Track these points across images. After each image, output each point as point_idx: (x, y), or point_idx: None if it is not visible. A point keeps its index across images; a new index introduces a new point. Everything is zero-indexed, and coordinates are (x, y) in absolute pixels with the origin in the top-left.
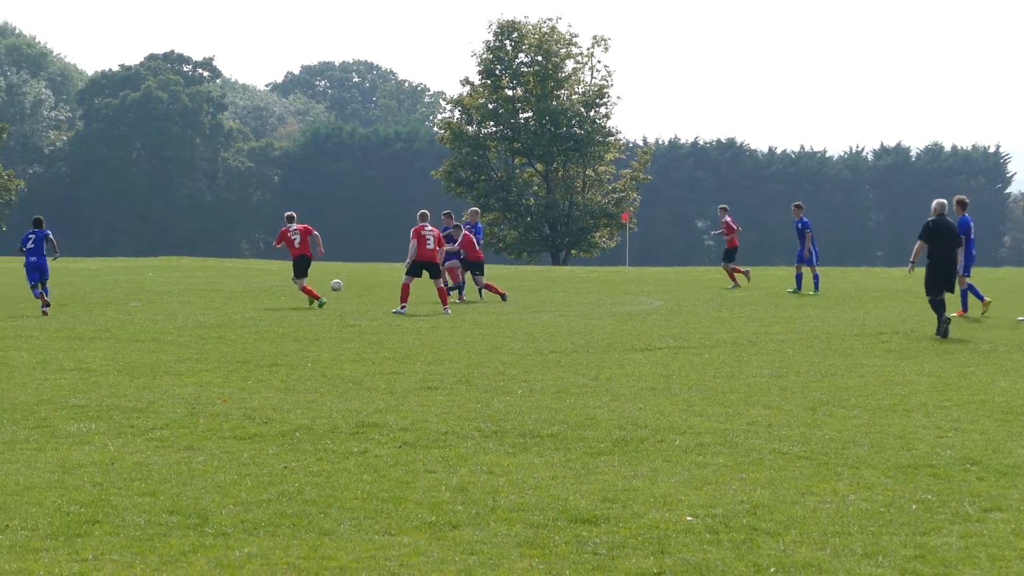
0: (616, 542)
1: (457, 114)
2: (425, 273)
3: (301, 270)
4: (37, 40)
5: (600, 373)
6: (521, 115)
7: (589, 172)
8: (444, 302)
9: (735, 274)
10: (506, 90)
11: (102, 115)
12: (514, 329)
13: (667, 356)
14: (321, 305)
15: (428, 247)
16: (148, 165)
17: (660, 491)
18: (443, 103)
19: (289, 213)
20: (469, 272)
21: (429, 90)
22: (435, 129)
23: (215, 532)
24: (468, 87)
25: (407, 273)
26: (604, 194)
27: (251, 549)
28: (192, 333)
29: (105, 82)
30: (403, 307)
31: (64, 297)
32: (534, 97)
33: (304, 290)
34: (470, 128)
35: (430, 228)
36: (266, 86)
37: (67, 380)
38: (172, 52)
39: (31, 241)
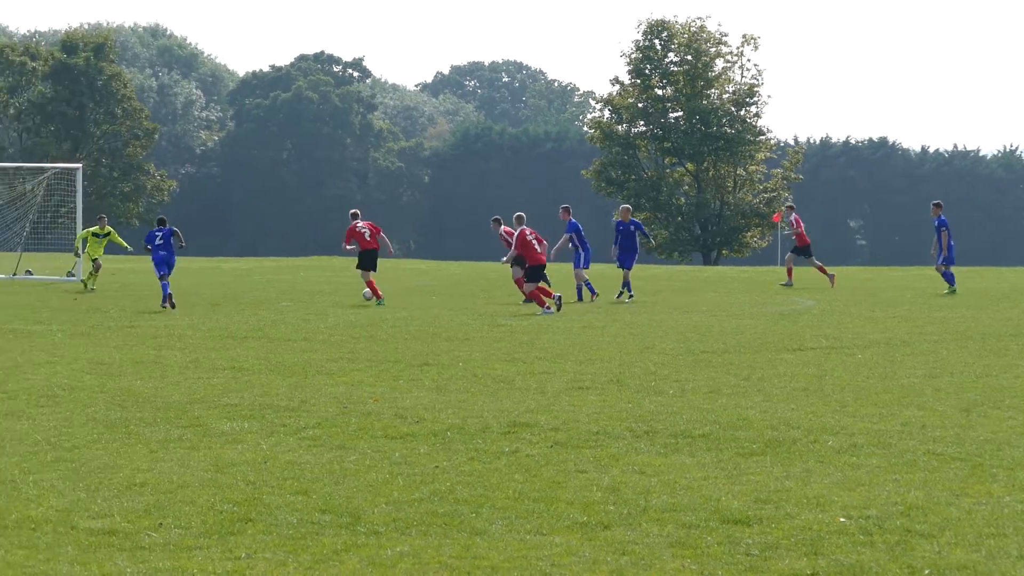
0: (769, 543)
1: (607, 113)
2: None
3: (368, 263)
4: (188, 41)
5: (752, 373)
6: (671, 114)
7: (740, 171)
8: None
9: (823, 272)
10: (656, 89)
11: (253, 115)
12: (665, 329)
13: (819, 356)
14: (380, 304)
15: (538, 250)
16: (298, 165)
17: (813, 492)
18: (593, 102)
19: (354, 211)
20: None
21: (579, 89)
22: (585, 129)
23: (367, 531)
24: (618, 86)
25: (528, 280)
26: (755, 194)
27: (403, 548)
28: (343, 332)
29: (256, 83)
30: (548, 308)
31: (216, 297)
32: (684, 96)
33: (369, 285)
34: (620, 127)
35: (531, 231)
36: (416, 86)
37: (220, 379)
38: (322, 53)
39: (159, 238)
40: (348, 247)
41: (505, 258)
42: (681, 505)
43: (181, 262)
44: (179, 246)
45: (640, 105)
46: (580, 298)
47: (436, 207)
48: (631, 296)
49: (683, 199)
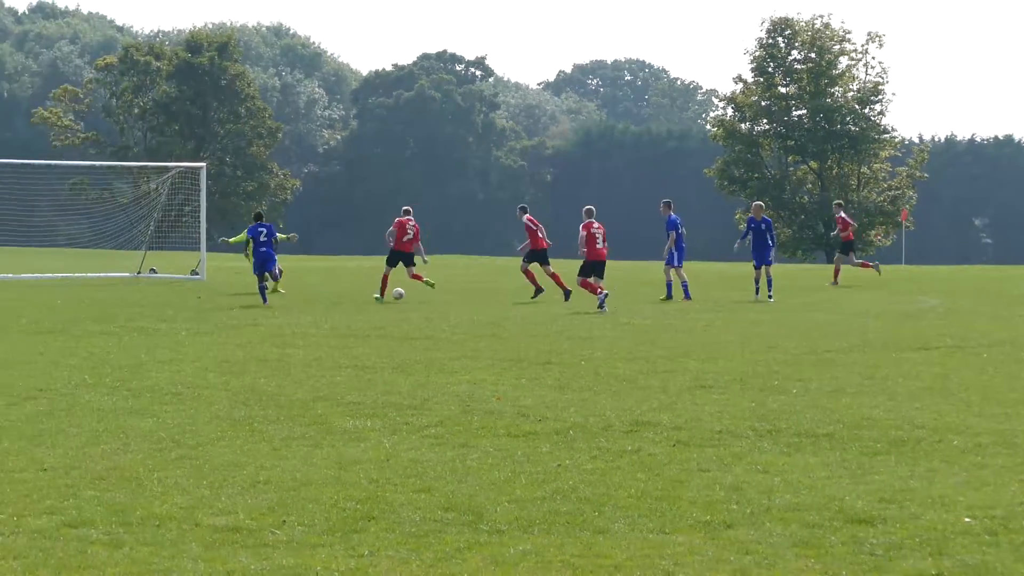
0: (893, 543)
1: (730, 112)
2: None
3: (395, 261)
4: (311, 41)
5: (876, 372)
6: (794, 112)
7: (864, 170)
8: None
9: (865, 267)
10: (779, 87)
11: (376, 114)
12: (788, 328)
13: (944, 355)
14: (378, 300)
15: (598, 245)
16: (421, 164)
17: (937, 492)
18: (716, 101)
19: (407, 207)
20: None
21: (701, 88)
22: (708, 127)
23: (490, 529)
24: (741, 84)
25: (581, 273)
26: (879, 192)
27: (525, 547)
28: (466, 331)
29: (379, 82)
30: (602, 297)
31: (337, 295)
32: (807, 94)
33: (384, 279)
34: (743, 126)
35: (598, 225)
36: (538, 85)
37: (343, 377)
38: (445, 52)
39: (263, 234)
40: (403, 237)
41: (521, 247)
42: (804, 504)
43: (305, 261)
44: (275, 243)
45: (763, 103)
46: (669, 295)
47: (558, 206)
48: (770, 296)
49: (806, 197)
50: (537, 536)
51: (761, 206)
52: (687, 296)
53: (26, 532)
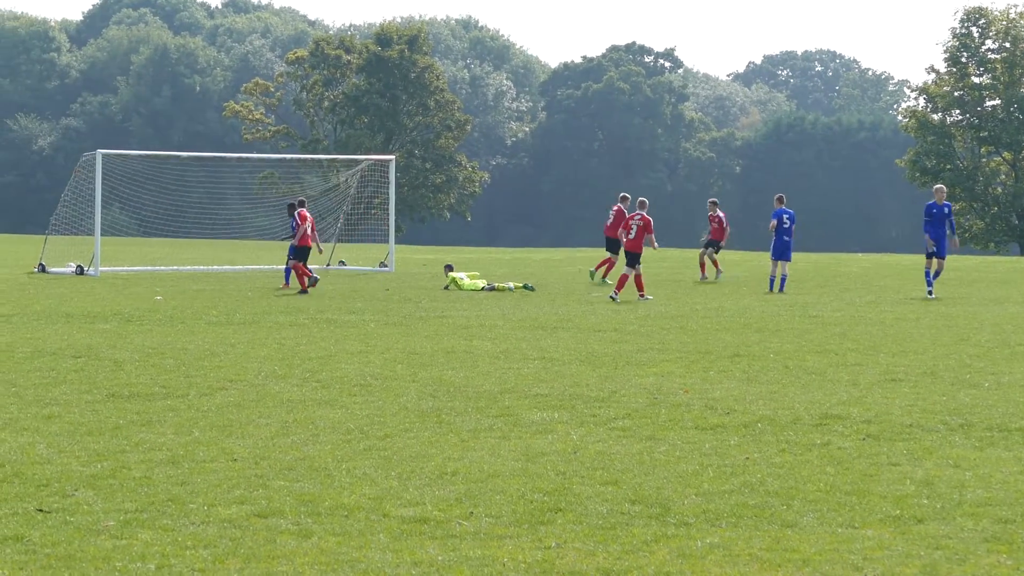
0: None
1: (922, 102)
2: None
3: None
4: (500, 33)
5: None
6: (988, 103)
7: None
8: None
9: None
10: (972, 77)
11: (564, 106)
12: (980, 321)
13: None
14: (301, 293)
15: (630, 236)
16: (609, 156)
17: None
18: (908, 91)
19: (301, 198)
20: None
21: (893, 78)
22: (899, 118)
23: (677, 522)
24: (933, 75)
25: (628, 265)
26: None
27: (713, 540)
28: (654, 323)
29: (567, 74)
30: (643, 295)
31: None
32: (1001, 84)
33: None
34: (935, 116)
35: (639, 216)
36: (728, 76)
37: (530, 369)
38: (634, 43)
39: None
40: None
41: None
42: (997, 500)
43: (492, 253)
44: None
45: (956, 94)
46: (772, 288)
47: (748, 197)
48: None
49: (999, 189)
50: (724, 529)
51: (943, 189)
52: (780, 288)
53: (216, 521)
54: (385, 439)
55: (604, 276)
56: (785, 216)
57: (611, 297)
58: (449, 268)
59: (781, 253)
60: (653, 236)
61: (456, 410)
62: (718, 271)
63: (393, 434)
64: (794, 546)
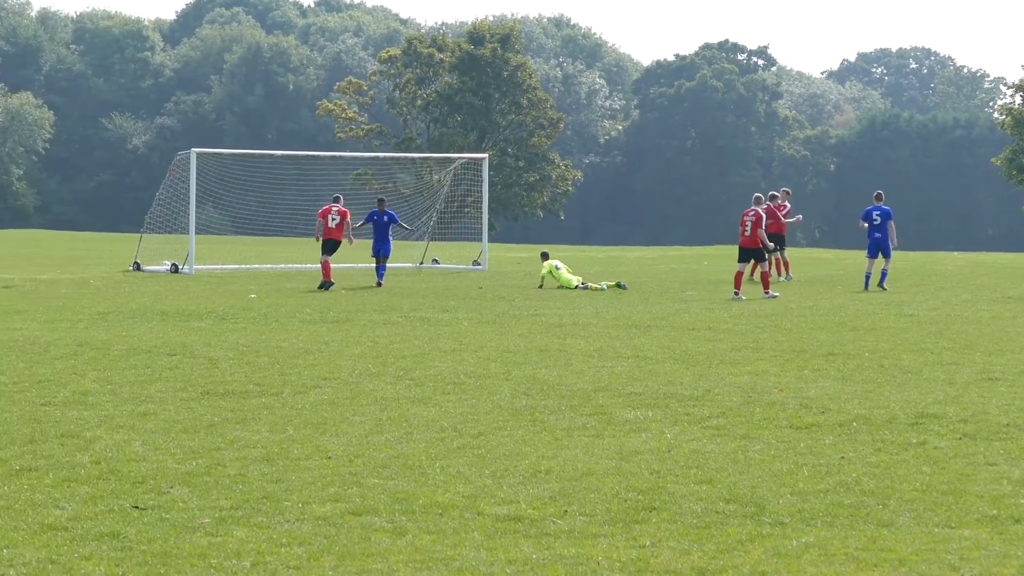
0: None
1: (1018, 100)
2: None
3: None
4: (592, 32)
5: None
6: None
7: None
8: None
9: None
10: None
11: (657, 104)
12: None
13: None
14: (325, 288)
15: (745, 233)
16: (702, 154)
17: None
18: (1003, 88)
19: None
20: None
21: (988, 75)
22: (995, 115)
23: (772, 521)
24: None
25: (740, 260)
26: None
27: (808, 539)
28: (747, 322)
29: (660, 72)
30: (738, 294)
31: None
32: None
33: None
34: None
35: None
36: (821, 73)
37: (624, 368)
38: (727, 41)
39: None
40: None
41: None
42: None
43: (585, 251)
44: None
45: None
46: (866, 287)
47: (842, 195)
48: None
49: None
50: (820, 529)
51: None
52: (879, 283)
53: (311, 519)
54: (479, 437)
55: (781, 274)
56: (875, 213)
57: (765, 296)
58: (545, 256)
59: (873, 250)
60: (763, 231)
61: (550, 408)
62: (787, 274)
63: (487, 432)
64: (890, 546)
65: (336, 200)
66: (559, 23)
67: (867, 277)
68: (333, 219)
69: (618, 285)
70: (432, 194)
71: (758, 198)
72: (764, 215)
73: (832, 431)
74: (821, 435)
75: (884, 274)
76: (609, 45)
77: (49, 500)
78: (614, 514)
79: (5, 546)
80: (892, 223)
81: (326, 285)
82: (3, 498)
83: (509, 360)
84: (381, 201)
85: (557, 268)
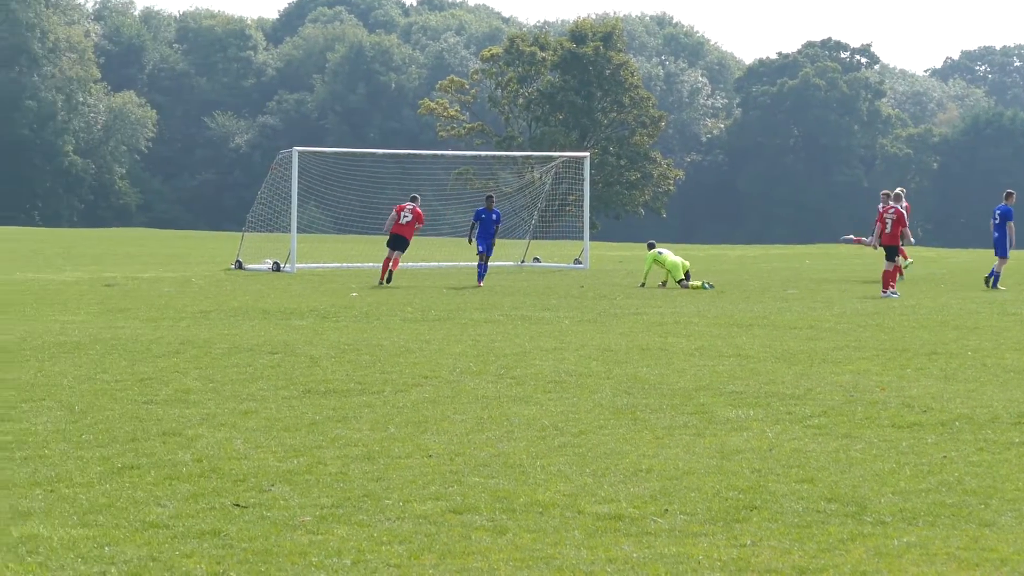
0: None
1: None
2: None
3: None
4: (694, 30)
5: None
6: None
7: None
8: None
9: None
10: None
11: (759, 103)
12: None
13: None
14: (381, 284)
15: (886, 231)
16: (805, 152)
17: None
18: None
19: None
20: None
21: None
22: None
23: (873, 520)
24: None
25: (887, 259)
26: None
27: (910, 539)
28: (849, 321)
29: (763, 70)
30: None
31: (722, 284)
32: None
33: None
34: None
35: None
36: (925, 71)
37: (725, 367)
38: (829, 39)
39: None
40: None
41: (869, 239)
42: None
43: (687, 250)
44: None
45: None
46: (986, 284)
47: (945, 194)
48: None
49: None
50: (921, 528)
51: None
52: (992, 284)
53: (411, 517)
54: (579, 436)
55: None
56: (996, 211)
57: (885, 295)
58: (651, 246)
59: (995, 249)
60: (908, 230)
61: (651, 407)
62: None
63: (588, 431)
64: (992, 545)
65: (413, 199)
66: (661, 21)
67: (990, 275)
68: (405, 216)
69: (704, 286)
70: (533, 192)
71: (896, 195)
72: (905, 212)
73: (934, 430)
74: (923, 434)
75: (994, 274)
76: (711, 43)
77: (151, 498)
78: (714, 513)
79: (107, 543)
80: (1011, 224)
81: (387, 279)
82: (105, 496)
83: (610, 359)
84: (489, 199)
85: (660, 254)
